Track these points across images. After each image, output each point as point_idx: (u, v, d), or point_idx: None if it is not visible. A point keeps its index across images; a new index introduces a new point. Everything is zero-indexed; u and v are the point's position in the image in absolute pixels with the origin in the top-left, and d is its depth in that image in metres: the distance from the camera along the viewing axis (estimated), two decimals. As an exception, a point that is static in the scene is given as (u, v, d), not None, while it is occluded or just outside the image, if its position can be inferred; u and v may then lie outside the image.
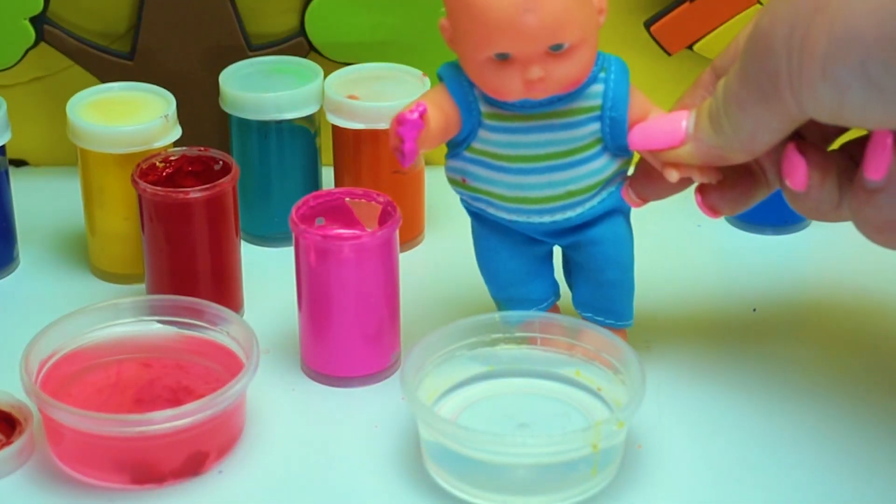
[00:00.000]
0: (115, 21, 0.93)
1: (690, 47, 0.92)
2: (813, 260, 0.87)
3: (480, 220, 0.74)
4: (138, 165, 0.79)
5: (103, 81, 0.90)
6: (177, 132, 0.84)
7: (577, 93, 0.69)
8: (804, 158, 0.65)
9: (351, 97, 0.86)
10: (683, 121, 0.68)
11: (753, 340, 0.79)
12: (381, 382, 0.76)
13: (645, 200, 0.72)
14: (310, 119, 0.88)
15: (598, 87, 0.70)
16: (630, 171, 0.73)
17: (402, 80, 0.88)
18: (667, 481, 0.69)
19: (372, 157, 0.86)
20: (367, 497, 0.69)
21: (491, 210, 0.72)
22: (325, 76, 0.88)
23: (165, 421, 0.67)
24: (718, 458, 0.71)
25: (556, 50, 0.66)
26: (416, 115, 0.67)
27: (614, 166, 0.71)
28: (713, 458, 0.71)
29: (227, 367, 0.73)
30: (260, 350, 0.72)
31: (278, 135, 0.87)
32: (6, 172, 0.85)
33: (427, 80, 0.87)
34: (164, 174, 0.80)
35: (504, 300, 0.76)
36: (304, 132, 0.88)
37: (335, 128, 0.87)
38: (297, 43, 0.93)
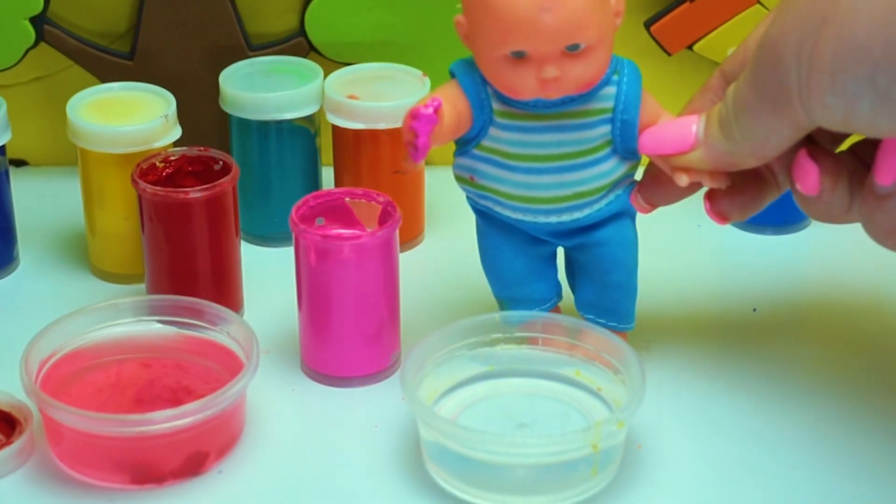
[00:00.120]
0: (115, 21, 0.93)
1: (690, 47, 0.92)
2: (813, 260, 0.87)
3: (486, 219, 0.74)
4: (138, 165, 0.79)
5: (103, 81, 0.90)
6: (177, 132, 0.84)
7: (589, 94, 0.69)
8: (816, 165, 0.65)
9: (351, 97, 0.86)
10: (693, 125, 0.68)
11: (753, 340, 0.79)
12: (381, 382, 0.76)
13: (654, 206, 0.72)
14: (310, 119, 0.88)
15: (610, 90, 0.70)
16: (637, 176, 0.72)
17: (402, 80, 0.88)
18: (667, 481, 0.69)
19: (372, 157, 0.86)
20: (367, 497, 0.69)
21: (497, 209, 0.72)
22: (325, 76, 0.88)
23: (165, 421, 0.67)
24: (718, 458, 0.71)
25: (573, 50, 0.66)
26: (430, 110, 0.67)
27: (623, 169, 0.71)
28: (713, 458, 0.71)
29: (227, 367, 0.73)
30: (260, 350, 0.72)
31: (278, 135, 0.87)
32: (6, 172, 0.85)
33: (427, 80, 0.87)
34: (164, 174, 0.80)
35: (507, 299, 0.76)
36: (304, 132, 0.88)
37: (335, 128, 0.87)
38: (297, 43, 0.93)
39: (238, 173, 0.79)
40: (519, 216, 0.72)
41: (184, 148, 0.81)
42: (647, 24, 0.92)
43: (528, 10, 0.65)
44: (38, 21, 0.91)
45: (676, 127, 0.69)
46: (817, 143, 0.67)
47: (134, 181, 0.78)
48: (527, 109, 0.69)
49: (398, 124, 0.84)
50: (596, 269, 0.73)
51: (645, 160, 0.72)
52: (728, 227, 0.90)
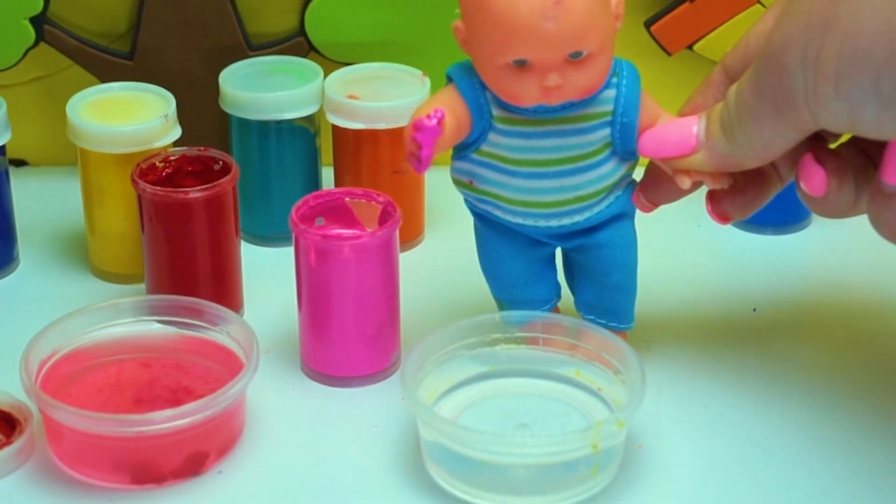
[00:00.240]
0: (114, 21, 0.93)
1: (690, 47, 0.92)
2: (813, 260, 0.87)
3: (484, 222, 0.74)
4: (138, 165, 0.79)
5: (103, 81, 0.90)
6: (177, 132, 0.84)
7: (590, 98, 0.69)
8: (823, 167, 0.65)
9: (351, 97, 0.86)
10: (694, 127, 0.68)
11: (753, 340, 0.79)
12: (381, 382, 0.76)
13: (656, 205, 0.72)
14: (310, 119, 0.88)
15: (610, 93, 0.69)
16: (635, 175, 0.72)
17: (402, 80, 0.88)
18: (667, 481, 0.69)
19: (372, 157, 0.86)
20: (367, 497, 0.69)
21: (497, 213, 0.72)
22: (325, 76, 0.88)
23: (165, 421, 0.67)
24: (718, 458, 0.71)
25: (576, 57, 0.66)
26: (434, 122, 0.66)
27: (622, 170, 0.71)
28: (713, 458, 0.71)
29: (227, 367, 0.73)
30: (260, 350, 0.72)
31: (278, 135, 0.87)
32: (6, 172, 0.85)
33: (427, 80, 0.87)
34: (164, 174, 0.80)
35: (506, 301, 0.75)
36: (304, 132, 0.88)
37: (335, 128, 0.87)
38: (297, 43, 0.93)
39: (238, 173, 0.79)
40: (519, 220, 0.72)
41: (184, 148, 0.81)
42: (647, 24, 0.92)
43: (530, 18, 0.64)
44: (38, 21, 0.91)
45: (676, 129, 0.68)
46: (823, 140, 0.67)
47: (134, 181, 0.78)
48: (527, 115, 0.69)
49: (398, 124, 0.84)
50: (596, 270, 0.73)
51: (644, 159, 0.71)
52: (728, 226, 0.89)
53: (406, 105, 0.84)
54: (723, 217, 0.71)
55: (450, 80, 0.70)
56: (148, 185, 0.78)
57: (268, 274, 0.85)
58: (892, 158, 0.62)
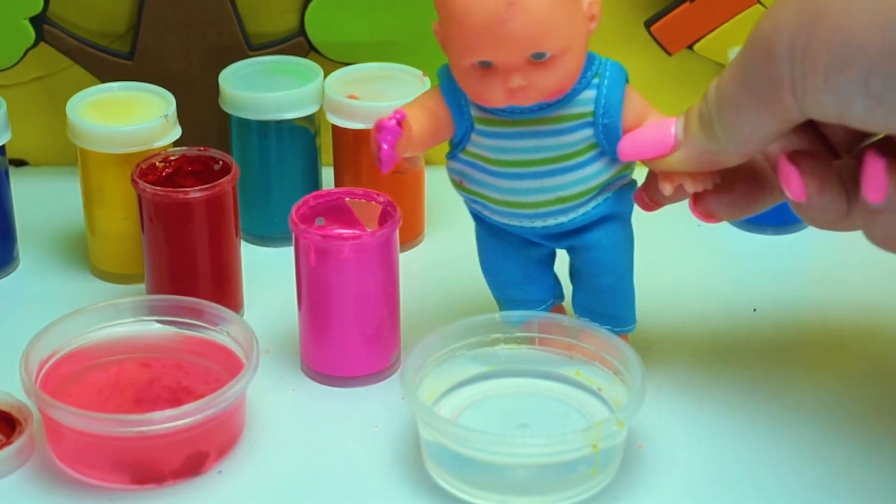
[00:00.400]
0: (114, 21, 0.93)
1: (690, 47, 0.92)
2: (813, 260, 0.87)
3: (479, 221, 0.74)
4: (138, 165, 0.79)
5: (103, 81, 0.90)
6: (177, 132, 0.84)
7: (566, 99, 0.69)
8: (796, 167, 0.63)
9: (351, 97, 0.86)
10: (672, 127, 0.67)
11: (753, 340, 0.79)
12: (381, 382, 0.76)
13: (658, 204, 0.72)
14: (310, 119, 0.88)
15: (589, 94, 0.69)
16: (631, 176, 0.72)
17: (402, 80, 0.88)
18: (667, 481, 0.69)
19: (372, 157, 0.86)
20: (367, 497, 0.69)
21: (486, 213, 0.72)
22: (325, 76, 0.88)
23: (165, 421, 0.67)
24: (718, 458, 0.71)
25: (539, 59, 0.66)
26: (393, 122, 0.67)
27: (610, 172, 0.70)
28: (713, 458, 0.71)
29: (227, 367, 0.73)
30: (260, 350, 0.72)
31: (278, 135, 0.87)
32: (6, 172, 0.85)
33: (427, 80, 0.87)
34: (164, 174, 0.80)
35: (502, 299, 0.76)
36: (304, 132, 0.88)
37: (335, 128, 0.87)
38: (297, 43, 0.93)
39: (238, 173, 0.79)
40: (506, 220, 0.72)
41: (184, 148, 0.81)
42: (647, 24, 0.92)
43: (487, 19, 0.65)
44: (38, 21, 0.91)
45: (655, 130, 0.68)
46: (829, 146, 0.66)
47: (134, 181, 0.78)
48: (503, 116, 0.69)
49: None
50: (585, 272, 0.73)
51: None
52: (728, 227, 0.90)
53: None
54: (706, 215, 0.69)
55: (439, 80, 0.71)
56: (148, 185, 0.78)
57: (268, 274, 0.85)
58: (870, 177, 0.61)
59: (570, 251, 0.73)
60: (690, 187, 0.68)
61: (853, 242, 0.78)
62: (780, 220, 0.89)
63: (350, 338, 0.75)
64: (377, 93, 0.87)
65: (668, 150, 0.67)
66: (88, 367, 0.74)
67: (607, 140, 0.69)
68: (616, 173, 0.70)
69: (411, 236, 0.88)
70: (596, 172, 0.70)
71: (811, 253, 0.88)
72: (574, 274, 0.74)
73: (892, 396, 0.75)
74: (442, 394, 0.73)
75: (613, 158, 0.70)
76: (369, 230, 0.75)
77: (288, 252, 0.78)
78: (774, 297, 0.83)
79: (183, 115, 0.85)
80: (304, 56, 0.92)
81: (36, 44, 0.92)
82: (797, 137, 0.66)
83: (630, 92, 0.69)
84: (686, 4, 0.90)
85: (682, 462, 0.70)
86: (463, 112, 0.70)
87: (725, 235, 0.89)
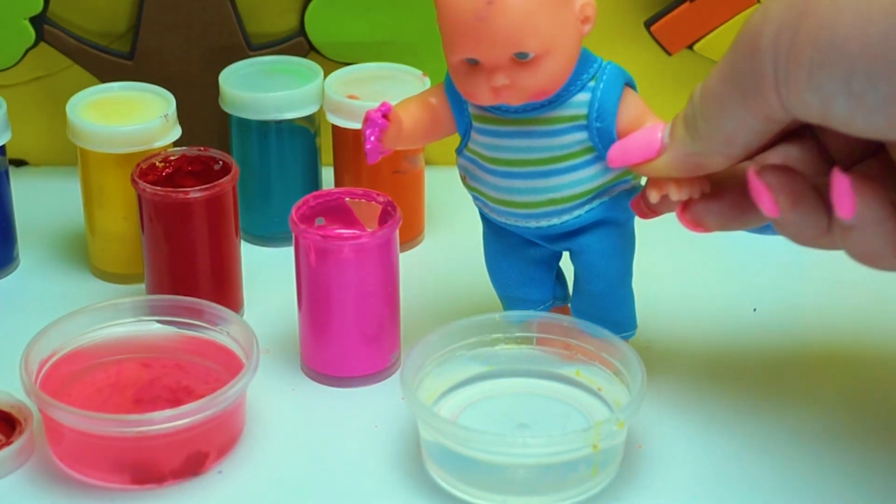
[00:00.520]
0: (114, 21, 0.93)
1: (690, 47, 0.92)
2: (813, 260, 0.87)
3: (485, 219, 0.74)
4: (138, 165, 0.79)
5: (103, 81, 0.90)
6: (177, 132, 0.84)
7: (560, 101, 0.68)
8: (762, 182, 0.62)
9: (351, 97, 0.86)
10: (659, 132, 0.66)
11: (753, 340, 0.79)
12: (381, 382, 0.76)
13: (656, 213, 0.71)
14: (310, 119, 0.88)
15: (583, 97, 0.68)
16: (634, 182, 0.72)
17: (402, 80, 0.88)
18: (667, 481, 0.69)
19: (372, 157, 0.86)
20: (367, 497, 0.69)
21: (486, 210, 0.72)
22: (325, 76, 0.88)
23: (165, 421, 0.67)
24: (718, 458, 0.71)
25: (522, 58, 0.66)
26: (378, 115, 0.68)
27: (607, 176, 0.70)
28: (713, 458, 0.71)
29: (227, 367, 0.73)
30: (260, 350, 0.72)
31: (278, 135, 0.87)
32: (6, 172, 0.85)
33: (427, 80, 0.87)
34: (164, 174, 0.80)
35: (505, 298, 0.76)
36: (304, 132, 0.88)
37: (335, 128, 0.87)
38: (297, 43, 0.93)
39: (238, 173, 0.79)
40: (502, 219, 0.72)
41: (184, 148, 0.81)
42: (647, 24, 0.92)
43: (465, 17, 0.65)
44: (38, 21, 0.91)
45: (643, 135, 0.67)
46: (836, 162, 0.65)
47: (134, 181, 0.78)
48: (497, 114, 0.69)
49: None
50: (578, 276, 0.73)
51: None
52: (728, 226, 0.89)
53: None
54: (694, 223, 0.68)
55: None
56: (148, 185, 0.78)
57: (268, 274, 0.85)
58: (838, 193, 0.60)
59: (570, 254, 0.73)
60: (675, 195, 0.66)
61: (853, 242, 0.78)
62: (780, 220, 0.88)
63: (350, 338, 0.75)
64: (377, 93, 0.87)
65: (653, 154, 0.66)
66: (88, 367, 0.74)
67: (602, 144, 0.69)
68: (613, 178, 0.70)
69: (411, 236, 0.88)
70: (591, 176, 0.70)
71: (811, 253, 0.87)
72: (574, 277, 0.74)
73: (893, 395, 0.75)
74: (442, 394, 0.73)
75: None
76: (369, 230, 0.75)
77: (288, 252, 0.78)
78: (774, 297, 0.83)
79: (183, 115, 0.85)
80: (304, 56, 0.92)
81: (36, 44, 0.92)
82: (795, 150, 0.65)
83: (628, 96, 0.69)
84: (686, 4, 0.90)
85: (681, 462, 0.70)
86: (462, 108, 0.70)
87: (725, 235, 0.88)
